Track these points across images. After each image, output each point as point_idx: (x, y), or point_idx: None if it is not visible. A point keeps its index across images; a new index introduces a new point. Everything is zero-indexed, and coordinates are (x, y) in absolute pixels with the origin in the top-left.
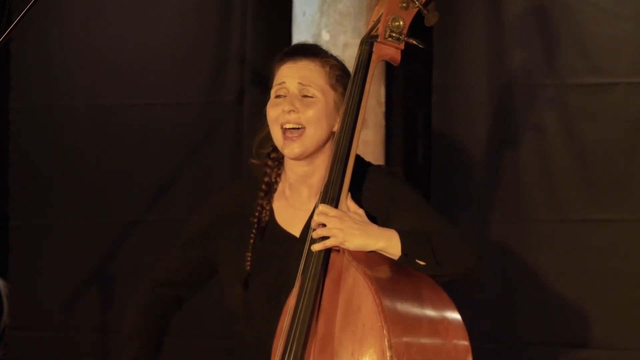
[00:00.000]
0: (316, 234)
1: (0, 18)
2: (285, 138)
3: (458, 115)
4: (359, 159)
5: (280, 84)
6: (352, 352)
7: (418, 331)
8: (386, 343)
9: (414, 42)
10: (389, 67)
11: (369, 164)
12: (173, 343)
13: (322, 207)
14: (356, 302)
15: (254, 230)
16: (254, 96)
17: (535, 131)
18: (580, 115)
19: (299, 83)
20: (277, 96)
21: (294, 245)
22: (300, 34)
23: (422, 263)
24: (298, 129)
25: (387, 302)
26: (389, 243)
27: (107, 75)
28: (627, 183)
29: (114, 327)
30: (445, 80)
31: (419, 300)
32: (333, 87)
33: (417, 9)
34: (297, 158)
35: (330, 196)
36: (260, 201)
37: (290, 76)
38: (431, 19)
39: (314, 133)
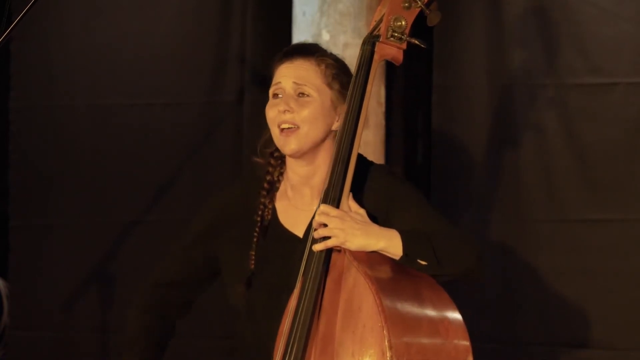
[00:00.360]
0: (317, 234)
1: (0, 18)
2: (282, 136)
3: (458, 115)
4: (361, 158)
5: (276, 84)
6: (353, 352)
7: (418, 331)
8: (386, 343)
9: (416, 42)
10: (389, 67)
11: (371, 163)
12: (173, 343)
13: (324, 207)
14: (357, 302)
15: (257, 229)
16: (254, 96)
17: (535, 131)
18: (580, 115)
19: (294, 82)
20: (274, 96)
21: (297, 245)
22: (300, 34)
23: (423, 263)
24: (293, 128)
25: (388, 302)
26: (390, 243)
27: (107, 75)
28: (627, 183)
29: (114, 327)
30: (445, 80)
31: (420, 300)
32: (329, 85)
33: (419, 9)
34: (295, 155)
35: (331, 196)
36: (262, 199)
37: (286, 76)
38: (433, 19)
39: (309, 132)
